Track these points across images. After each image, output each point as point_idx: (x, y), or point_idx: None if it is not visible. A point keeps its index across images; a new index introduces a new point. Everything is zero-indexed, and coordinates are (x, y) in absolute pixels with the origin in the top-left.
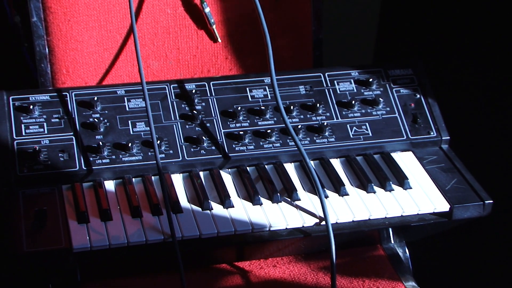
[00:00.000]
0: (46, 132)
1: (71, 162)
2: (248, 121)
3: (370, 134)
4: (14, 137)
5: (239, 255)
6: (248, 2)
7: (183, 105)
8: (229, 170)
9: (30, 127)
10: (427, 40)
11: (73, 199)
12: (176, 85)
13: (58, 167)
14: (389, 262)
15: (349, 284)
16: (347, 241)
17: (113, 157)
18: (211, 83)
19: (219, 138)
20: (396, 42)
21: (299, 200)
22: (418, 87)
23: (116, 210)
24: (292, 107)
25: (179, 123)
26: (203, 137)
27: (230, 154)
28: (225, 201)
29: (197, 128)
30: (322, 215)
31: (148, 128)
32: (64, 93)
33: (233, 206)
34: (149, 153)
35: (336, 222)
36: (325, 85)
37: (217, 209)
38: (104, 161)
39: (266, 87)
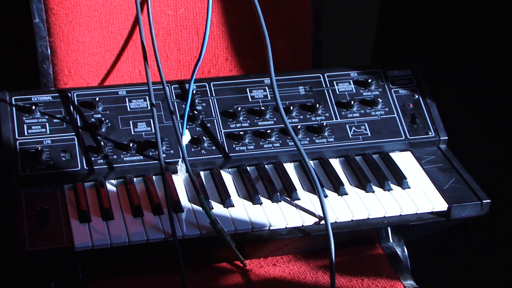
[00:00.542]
0: (48, 132)
1: (73, 162)
2: (248, 121)
3: (369, 134)
4: (17, 137)
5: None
6: (249, 4)
7: (183, 106)
8: (230, 170)
9: (33, 127)
10: (425, 41)
11: (75, 198)
12: (177, 85)
13: (60, 167)
14: (388, 261)
15: (348, 283)
16: (346, 240)
17: (115, 157)
18: (211, 84)
19: (219, 138)
20: (394, 43)
21: (299, 199)
22: (416, 88)
23: (117, 210)
24: (291, 108)
25: (180, 123)
26: (204, 137)
27: (230, 154)
28: (225, 200)
29: (197, 128)
30: (322, 215)
31: (149, 129)
32: (66, 94)
33: (233, 206)
34: (150, 153)
35: (335, 222)
36: (324, 86)
37: (218, 208)
38: (105, 161)
39: (266, 88)
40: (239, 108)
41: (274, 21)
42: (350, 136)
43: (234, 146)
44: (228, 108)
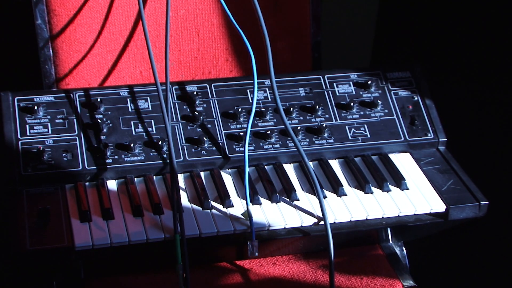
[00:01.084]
0: (50, 132)
1: (74, 162)
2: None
3: (368, 136)
4: (19, 137)
5: (239, 254)
6: (249, 6)
7: (184, 107)
8: (229, 170)
9: (35, 127)
10: (423, 43)
11: (76, 198)
12: (177, 86)
13: (61, 167)
14: (387, 261)
15: (347, 282)
16: (346, 240)
17: (116, 157)
18: (212, 85)
19: (219, 139)
20: (393, 44)
21: (298, 200)
22: (416, 90)
23: (118, 209)
24: (292, 109)
25: (180, 124)
26: (204, 138)
27: (230, 155)
28: (225, 200)
29: (198, 129)
30: (321, 215)
31: (150, 129)
32: (68, 94)
33: (233, 206)
34: (151, 154)
35: (334, 222)
36: (324, 87)
37: (217, 208)
38: (106, 161)
39: (266, 89)
40: (240, 109)
41: (274, 23)
42: (350, 138)
43: (234, 147)
44: (228, 109)
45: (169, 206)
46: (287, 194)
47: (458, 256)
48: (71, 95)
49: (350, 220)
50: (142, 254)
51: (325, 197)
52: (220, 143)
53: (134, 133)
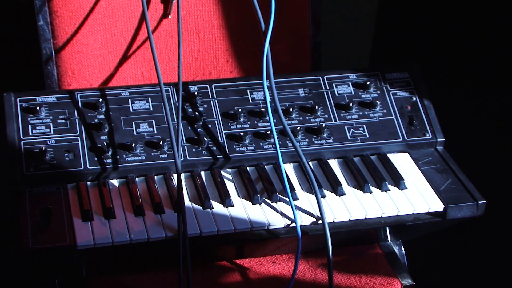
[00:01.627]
0: (52, 132)
1: (76, 162)
2: (249, 122)
3: (367, 136)
4: (21, 137)
5: (239, 253)
6: (249, 7)
7: (185, 107)
8: (230, 170)
9: (37, 127)
10: (422, 43)
11: (78, 197)
12: (178, 87)
13: (63, 167)
14: (386, 259)
15: (346, 280)
16: (345, 239)
17: (117, 157)
18: (212, 86)
19: (220, 139)
20: (392, 45)
21: (297, 199)
22: (414, 90)
23: (119, 209)
24: (291, 109)
25: (181, 124)
26: (205, 138)
27: (230, 155)
28: (225, 200)
29: (199, 129)
30: (319, 215)
31: (151, 129)
32: (70, 95)
33: (233, 205)
34: (152, 153)
35: (333, 221)
36: (323, 88)
37: (218, 208)
38: (108, 161)
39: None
40: (240, 110)
41: (274, 24)
42: (349, 138)
43: (234, 146)
44: (229, 110)
45: (170, 205)
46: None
47: (456, 255)
48: (73, 95)
49: (349, 219)
50: (143, 253)
51: (324, 196)
52: (221, 143)
53: (135, 133)
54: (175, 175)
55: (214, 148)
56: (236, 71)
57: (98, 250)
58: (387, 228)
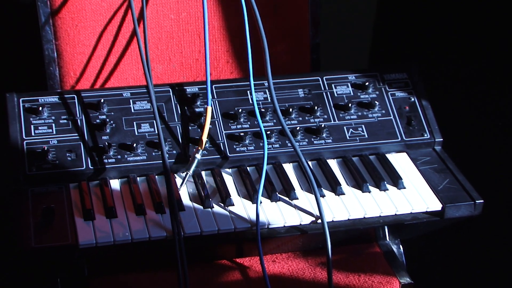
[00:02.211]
0: (54, 132)
1: (78, 162)
2: (249, 123)
3: (366, 136)
4: (24, 137)
5: (239, 252)
6: (249, 9)
7: (186, 107)
8: (230, 170)
9: (39, 127)
10: (420, 44)
11: (80, 197)
12: (179, 87)
13: (65, 167)
14: (385, 258)
15: (345, 279)
16: (344, 238)
17: (119, 157)
18: (213, 86)
19: (220, 139)
20: (391, 46)
21: (297, 199)
22: (412, 91)
23: (121, 208)
24: (291, 110)
25: (182, 124)
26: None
27: (231, 155)
28: (225, 199)
29: (199, 130)
30: (319, 214)
31: (152, 129)
32: (72, 95)
33: (233, 205)
34: (153, 153)
35: (332, 220)
36: (323, 89)
37: (218, 207)
38: (110, 160)
39: (266, 90)
40: (240, 110)
41: (273, 25)
42: (348, 138)
43: (234, 146)
44: (229, 110)
45: None
46: (287, 193)
47: (454, 254)
48: (75, 96)
49: (348, 219)
50: (144, 252)
51: (323, 196)
52: (221, 143)
53: (136, 133)
54: (176, 175)
55: (215, 148)
56: (236, 72)
57: (99, 249)
58: (386, 227)
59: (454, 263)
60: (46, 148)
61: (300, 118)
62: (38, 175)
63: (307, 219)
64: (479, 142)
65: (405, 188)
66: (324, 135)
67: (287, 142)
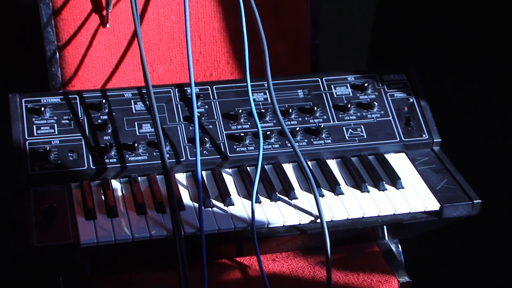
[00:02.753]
0: (56, 133)
1: (80, 162)
2: (249, 123)
3: (365, 136)
4: (26, 137)
5: (239, 251)
6: (248, 10)
7: (186, 108)
8: (230, 169)
9: (41, 128)
10: (419, 45)
11: (81, 196)
12: (180, 88)
13: (67, 166)
14: (383, 257)
15: (344, 278)
16: (343, 237)
17: (120, 157)
18: (213, 87)
19: (221, 139)
20: (389, 47)
21: (296, 198)
22: (411, 92)
23: (122, 207)
24: (290, 110)
25: (183, 124)
26: (206, 138)
27: (231, 155)
28: (225, 199)
29: (199, 130)
30: (318, 213)
31: (153, 130)
32: (73, 96)
33: (233, 204)
34: (154, 153)
35: (331, 220)
36: (322, 89)
37: (218, 207)
38: (111, 160)
39: (266, 91)
40: (240, 111)
41: (273, 26)
42: (347, 138)
43: (235, 147)
44: (229, 110)
45: None
46: (286, 193)
47: (452, 253)
48: (77, 96)
49: (347, 218)
50: (145, 251)
51: (322, 196)
52: (221, 143)
53: (138, 134)
54: (176, 175)
55: (215, 148)
56: (237, 72)
57: (101, 248)
58: (385, 226)
59: (452, 262)
60: (48, 148)
61: (300, 119)
62: (40, 174)
63: (306, 219)
64: (477, 142)
65: (403, 188)
66: (323, 135)
67: (286, 142)
